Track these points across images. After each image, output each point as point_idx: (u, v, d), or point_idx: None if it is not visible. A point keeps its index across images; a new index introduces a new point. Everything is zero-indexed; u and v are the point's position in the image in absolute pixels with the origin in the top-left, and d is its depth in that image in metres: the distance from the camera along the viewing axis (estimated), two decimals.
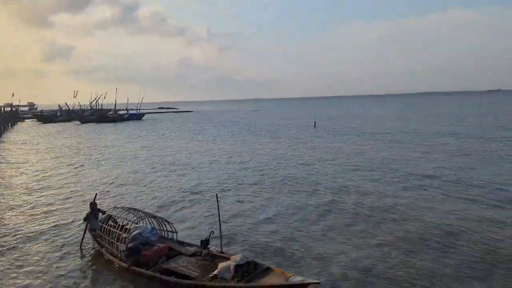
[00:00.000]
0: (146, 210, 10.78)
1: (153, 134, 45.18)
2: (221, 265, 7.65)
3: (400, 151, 25.15)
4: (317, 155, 24.56)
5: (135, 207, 10.81)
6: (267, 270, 7.52)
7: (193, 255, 8.67)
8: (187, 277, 7.73)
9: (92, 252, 9.87)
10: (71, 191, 16.37)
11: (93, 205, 10.84)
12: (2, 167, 23.09)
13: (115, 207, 10.64)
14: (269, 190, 15.76)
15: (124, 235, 8.89)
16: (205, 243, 8.84)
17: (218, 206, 8.91)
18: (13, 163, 24.64)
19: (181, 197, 15.02)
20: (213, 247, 8.68)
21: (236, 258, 7.72)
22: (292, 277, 6.98)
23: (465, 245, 9.42)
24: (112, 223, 9.80)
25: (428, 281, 7.70)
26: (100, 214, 10.69)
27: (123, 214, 9.74)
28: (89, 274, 8.65)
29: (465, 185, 15.45)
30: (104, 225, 9.68)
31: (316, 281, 7.02)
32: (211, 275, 7.58)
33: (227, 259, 7.99)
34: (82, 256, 9.63)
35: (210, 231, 9.31)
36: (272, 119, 69.45)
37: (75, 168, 22.27)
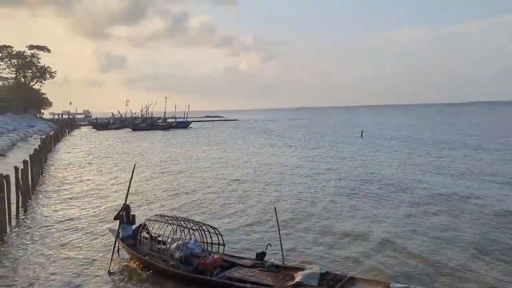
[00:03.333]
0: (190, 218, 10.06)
1: (201, 141, 45.95)
2: (302, 273, 7.34)
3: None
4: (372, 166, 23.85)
5: (177, 216, 10.29)
6: (353, 279, 7.25)
7: (252, 266, 8.19)
8: (259, 285, 7.34)
9: (126, 263, 9.50)
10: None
11: (126, 208, 10.03)
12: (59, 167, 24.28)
13: (156, 215, 10.08)
14: (320, 199, 15.43)
15: (175, 243, 8.64)
16: (261, 256, 8.48)
17: (277, 218, 8.63)
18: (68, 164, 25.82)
19: (230, 208, 14.87)
20: (273, 259, 8.29)
21: (314, 268, 7.49)
22: (391, 284, 6.70)
23: None
24: (145, 233, 9.51)
25: None
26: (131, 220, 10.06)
27: (163, 224, 9.27)
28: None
29: None
30: (148, 232, 9.49)
31: (422, 286, 6.81)
32: (292, 283, 7.21)
33: (295, 270, 7.66)
34: (121, 269, 9.19)
35: (267, 244, 8.99)
36: (319, 128, 68.70)
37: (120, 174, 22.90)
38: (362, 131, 50.94)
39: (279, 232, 8.59)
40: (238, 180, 20.43)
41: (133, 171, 10.24)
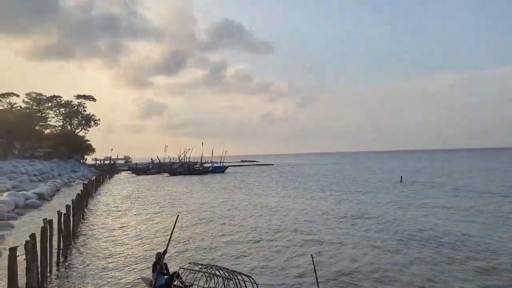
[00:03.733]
0: (222, 266, 9.80)
1: (238, 186, 45.96)
2: None
3: None
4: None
5: (211, 264, 10.13)
6: None
7: None
8: None
9: None
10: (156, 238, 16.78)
11: (160, 256, 9.98)
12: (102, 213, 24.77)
13: (189, 263, 9.96)
14: (361, 248, 14.76)
15: None
16: None
17: (314, 266, 8.28)
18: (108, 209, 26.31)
19: (265, 255, 14.56)
20: None
21: None
22: None
23: None
24: (178, 282, 9.40)
25: None
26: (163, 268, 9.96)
27: (196, 272, 9.21)
28: None
29: None
30: (181, 282, 9.43)
31: None
32: None
33: None
34: None
35: None
36: (355, 174, 67.39)
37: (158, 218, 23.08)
38: (401, 176, 49.76)
39: (317, 281, 8.24)
40: (275, 227, 20.03)
41: (175, 221, 10.36)
